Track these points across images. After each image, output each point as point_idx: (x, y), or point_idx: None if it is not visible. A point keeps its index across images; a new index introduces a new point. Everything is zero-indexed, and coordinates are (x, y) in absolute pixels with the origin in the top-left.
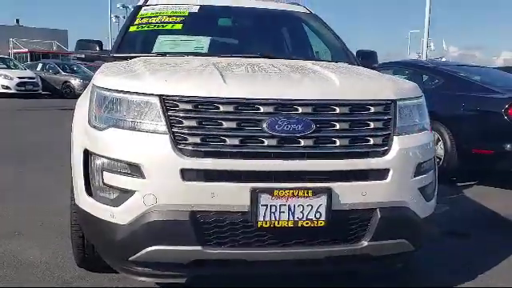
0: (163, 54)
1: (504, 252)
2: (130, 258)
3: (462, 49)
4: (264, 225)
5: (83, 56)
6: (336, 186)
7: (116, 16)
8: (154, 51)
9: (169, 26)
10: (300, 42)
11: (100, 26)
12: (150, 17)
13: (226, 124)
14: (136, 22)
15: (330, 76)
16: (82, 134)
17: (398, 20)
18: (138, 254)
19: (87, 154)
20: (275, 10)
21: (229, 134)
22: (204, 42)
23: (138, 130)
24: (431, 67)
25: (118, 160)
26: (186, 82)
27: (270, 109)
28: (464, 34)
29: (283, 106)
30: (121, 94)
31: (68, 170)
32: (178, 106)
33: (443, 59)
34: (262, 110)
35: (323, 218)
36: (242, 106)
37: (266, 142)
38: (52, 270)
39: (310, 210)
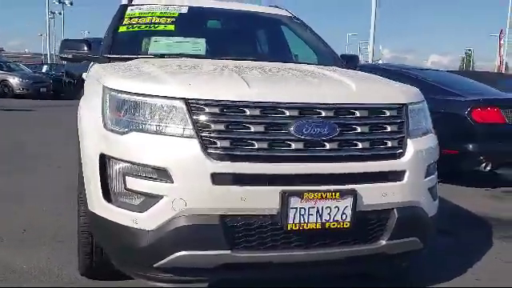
0: (161, 56)
1: (482, 247)
2: (155, 265)
3: (394, 52)
4: (293, 227)
5: (70, 56)
6: (360, 188)
7: (52, 12)
8: (150, 52)
9: (161, 27)
10: (293, 46)
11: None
12: (139, 17)
13: (253, 128)
14: (125, 22)
15: (344, 80)
16: (96, 138)
17: (337, 23)
18: (165, 260)
19: (104, 159)
20: (263, 13)
21: (257, 137)
22: (200, 44)
23: (164, 134)
24: (396, 71)
25: (143, 164)
26: (210, 86)
27: (296, 112)
28: (395, 38)
29: (307, 110)
30: (143, 98)
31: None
32: (204, 110)
33: (379, 61)
34: (287, 113)
35: (348, 219)
36: (268, 109)
37: (294, 146)
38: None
39: (337, 211)
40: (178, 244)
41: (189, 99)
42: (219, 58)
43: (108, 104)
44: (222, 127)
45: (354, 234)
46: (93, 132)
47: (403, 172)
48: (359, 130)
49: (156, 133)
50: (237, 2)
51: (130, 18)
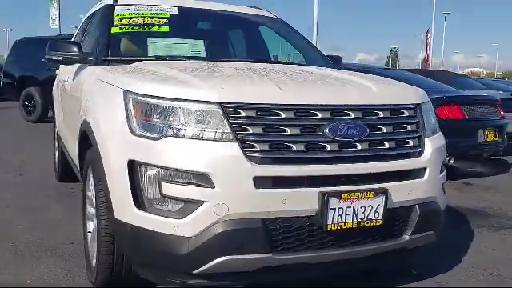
0: (163, 58)
1: (465, 237)
2: (195, 271)
3: (323, 50)
4: (332, 227)
5: (60, 59)
6: (390, 186)
7: None
8: (151, 54)
9: (155, 28)
10: (294, 47)
11: None
12: (130, 17)
13: (290, 130)
14: (116, 23)
15: (363, 82)
16: (122, 144)
17: None
18: (206, 266)
19: (135, 166)
20: (251, 15)
21: (294, 140)
22: (198, 45)
23: (202, 139)
24: (359, 70)
25: (181, 170)
26: (244, 89)
27: (328, 114)
28: (324, 36)
29: (338, 112)
30: (176, 102)
31: None
32: (240, 114)
33: None
34: (320, 115)
35: (380, 216)
36: (301, 112)
37: (329, 147)
38: None
39: (371, 210)
40: (220, 249)
41: (224, 103)
42: (223, 60)
43: (134, 109)
44: (259, 130)
45: (383, 231)
46: (116, 138)
47: (424, 169)
48: (384, 130)
49: (194, 138)
50: (220, 3)
51: (121, 19)
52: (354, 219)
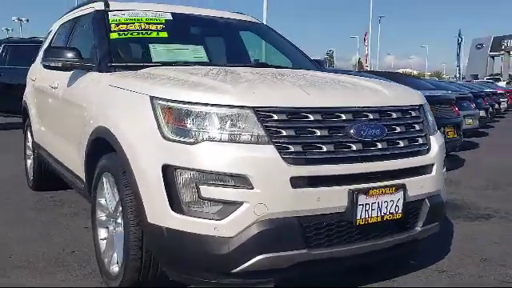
0: (169, 64)
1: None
2: (234, 270)
3: None
4: (360, 222)
5: (59, 65)
6: (408, 182)
7: None
8: (155, 60)
9: (154, 34)
10: (283, 51)
11: None
12: (127, 23)
13: (319, 132)
14: (114, 29)
15: (374, 86)
16: (154, 149)
17: None
18: (246, 265)
19: (170, 170)
20: (240, 21)
21: (323, 141)
22: (199, 51)
23: (239, 142)
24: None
25: (220, 173)
26: (273, 94)
27: (350, 116)
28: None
29: (358, 113)
30: (209, 108)
31: None
32: (272, 117)
33: None
34: (343, 117)
35: (400, 210)
36: (327, 114)
37: (354, 147)
38: None
39: (392, 204)
40: (259, 248)
41: (257, 107)
42: (229, 66)
43: (164, 115)
44: (292, 133)
45: (401, 224)
46: (148, 144)
47: (432, 165)
48: (398, 129)
49: (230, 141)
50: (207, 9)
51: (117, 25)
52: (379, 214)
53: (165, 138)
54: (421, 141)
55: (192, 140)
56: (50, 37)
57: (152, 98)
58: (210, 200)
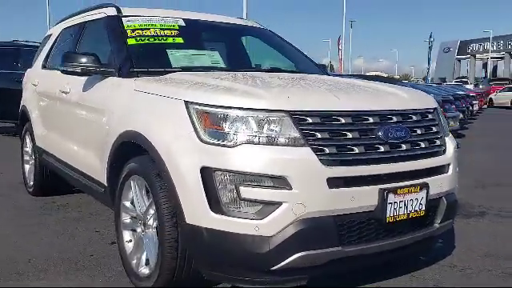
0: (189, 69)
1: None
2: (273, 268)
3: None
4: (390, 220)
5: (78, 70)
6: (430, 181)
7: None
8: (175, 66)
9: (170, 40)
10: (288, 56)
11: None
12: (142, 29)
13: (350, 134)
14: (130, 35)
15: (393, 90)
16: (193, 152)
17: None
18: (284, 262)
19: (208, 172)
20: (246, 26)
21: (355, 143)
22: (215, 56)
23: (276, 145)
24: None
25: (259, 174)
26: (306, 98)
27: (377, 119)
28: None
29: (383, 116)
30: (246, 112)
31: None
32: (307, 121)
33: None
34: (371, 120)
35: (423, 208)
36: (357, 117)
37: (382, 148)
38: None
39: (417, 202)
40: (298, 246)
41: (292, 111)
42: (248, 70)
43: (200, 119)
44: (326, 135)
45: (423, 221)
46: (185, 147)
47: (449, 165)
48: (419, 131)
49: (268, 144)
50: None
51: (133, 31)
52: (405, 211)
53: (202, 141)
54: (438, 142)
55: (231, 143)
56: (51, 41)
57: (187, 103)
58: (249, 200)
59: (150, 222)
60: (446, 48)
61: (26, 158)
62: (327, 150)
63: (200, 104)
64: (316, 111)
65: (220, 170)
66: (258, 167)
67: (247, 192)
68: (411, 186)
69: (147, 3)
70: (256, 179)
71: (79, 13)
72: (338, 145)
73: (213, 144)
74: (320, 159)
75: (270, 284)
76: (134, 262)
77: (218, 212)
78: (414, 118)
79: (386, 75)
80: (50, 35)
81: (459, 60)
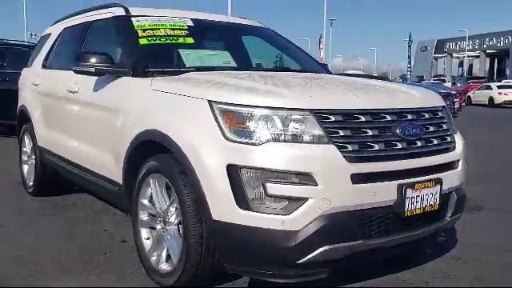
0: (203, 69)
1: None
2: (299, 261)
3: None
4: (408, 214)
5: (92, 70)
6: (443, 176)
7: None
8: (189, 65)
9: (181, 40)
10: (293, 56)
11: None
12: (153, 29)
13: (370, 132)
14: (142, 35)
15: (404, 89)
16: (218, 150)
17: None
18: (310, 256)
19: (235, 169)
20: (251, 26)
21: (375, 140)
22: (226, 56)
23: (301, 142)
24: None
25: (286, 171)
26: (328, 97)
27: (394, 117)
28: None
29: (399, 114)
30: (270, 111)
31: None
32: (330, 119)
33: None
34: (388, 118)
35: (438, 202)
36: (376, 115)
37: (400, 145)
38: None
39: (431, 197)
40: (323, 240)
41: (315, 110)
42: (258, 70)
43: (224, 118)
44: (348, 133)
45: (436, 214)
46: (209, 145)
47: (458, 161)
48: (431, 128)
49: (293, 142)
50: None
51: (144, 31)
52: (421, 205)
53: (227, 139)
54: (449, 139)
55: (256, 141)
56: (51, 41)
57: (211, 102)
58: (276, 197)
59: (172, 219)
60: (424, 47)
61: (25, 158)
62: (350, 147)
63: (225, 103)
64: (338, 110)
65: (246, 167)
66: (285, 164)
67: (274, 188)
68: (427, 181)
69: (130, 2)
70: (282, 176)
71: (82, 12)
72: (360, 142)
73: (239, 142)
74: (344, 156)
75: (292, 278)
76: (154, 258)
77: (245, 208)
78: (426, 115)
79: (364, 73)
80: (49, 34)
81: (436, 59)
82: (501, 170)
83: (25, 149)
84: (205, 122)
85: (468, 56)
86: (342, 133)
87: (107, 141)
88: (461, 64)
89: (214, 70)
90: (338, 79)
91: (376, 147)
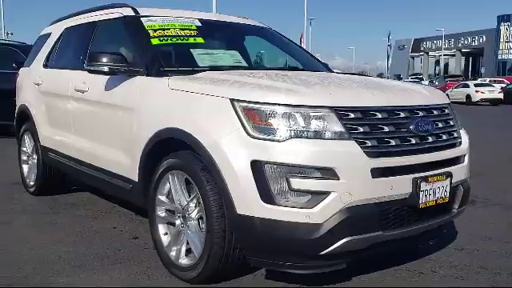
0: (216, 69)
1: None
2: (322, 253)
3: None
4: (422, 206)
5: (106, 69)
6: (452, 170)
7: None
8: (202, 65)
9: (192, 40)
10: (298, 55)
11: None
12: (163, 29)
13: (387, 128)
14: (153, 35)
15: (413, 87)
16: (242, 147)
17: None
18: (333, 247)
19: (259, 165)
20: (255, 26)
21: (392, 136)
22: (236, 56)
23: (323, 139)
24: None
25: (309, 166)
26: (347, 95)
27: (407, 114)
28: None
29: (412, 111)
30: (292, 108)
31: None
32: (349, 115)
33: None
34: (402, 115)
35: (448, 195)
36: (391, 112)
37: (413, 141)
38: None
39: (442, 189)
40: (345, 231)
41: (336, 107)
42: (268, 69)
43: (247, 116)
44: (367, 129)
45: (446, 206)
46: (233, 142)
47: (464, 155)
48: (440, 125)
49: (315, 138)
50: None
51: (155, 31)
52: (434, 198)
53: (250, 136)
54: (455, 134)
55: (279, 137)
56: (52, 40)
57: (232, 101)
58: (299, 191)
59: (193, 214)
60: (401, 46)
61: (24, 158)
62: (369, 143)
63: (246, 101)
64: (357, 107)
65: (270, 162)
66: (308, 160)
67: (297, 183)
68: (439, 174)
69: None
70: (305, 171)
71: (85, 12)
72: (378, 138)
73: (262, 139)
74: (364, 151)
75: (313, 269)
76: (173, 253)
77: (270, 202)
78: (435, 112)
79: (358, 72)
80: (49, 34)
81: (413, 57)
82: (488, 166)
83: (25, 148)
84: (227, 119)
85: (444, 55)
86: (361, 129)
87: (121, 139)
88: (437, 62)
89: (227, 69)
90: (350, 78)
91: (392, 143)
